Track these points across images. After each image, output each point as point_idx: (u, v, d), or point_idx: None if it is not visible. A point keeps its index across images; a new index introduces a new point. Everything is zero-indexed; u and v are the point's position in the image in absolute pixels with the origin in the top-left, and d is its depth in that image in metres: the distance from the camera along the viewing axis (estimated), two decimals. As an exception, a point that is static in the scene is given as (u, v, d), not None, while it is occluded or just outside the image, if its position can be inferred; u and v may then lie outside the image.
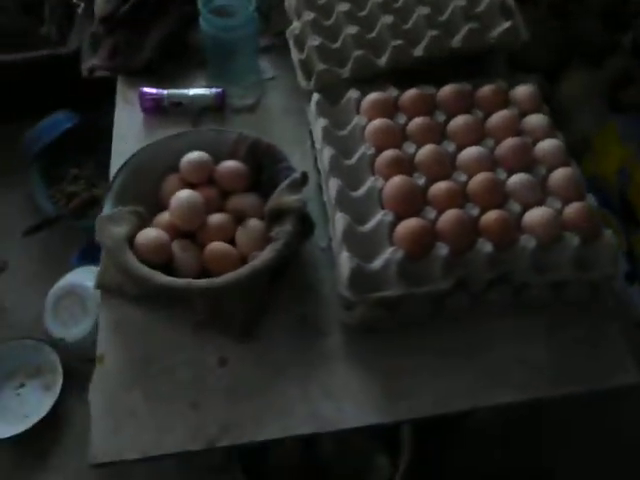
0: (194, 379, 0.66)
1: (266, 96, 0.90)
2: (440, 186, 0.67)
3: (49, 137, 1.31)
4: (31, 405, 1.13)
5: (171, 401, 0.64)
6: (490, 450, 1.02)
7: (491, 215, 0.64)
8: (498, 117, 0.73)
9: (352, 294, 0.62)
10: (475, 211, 0.66)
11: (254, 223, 0.71)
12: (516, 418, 1.03)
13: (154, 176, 0.75)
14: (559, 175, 0.69)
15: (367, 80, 0.78)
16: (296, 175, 0.70)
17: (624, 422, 1.10)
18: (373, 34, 0.79)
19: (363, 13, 0.81)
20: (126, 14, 0.89)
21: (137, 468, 0.96)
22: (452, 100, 0.74)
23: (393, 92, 0.76)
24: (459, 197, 0.67)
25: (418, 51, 0.78)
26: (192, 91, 0.87)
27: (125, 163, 0.73)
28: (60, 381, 1.12)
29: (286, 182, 0.69)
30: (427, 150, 0.70)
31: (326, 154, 0.70)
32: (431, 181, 0.68)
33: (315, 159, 0.76)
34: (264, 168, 0.74)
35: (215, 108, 0.87)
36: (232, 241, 0.71)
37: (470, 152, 0.70)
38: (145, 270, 0.63)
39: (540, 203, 0.68)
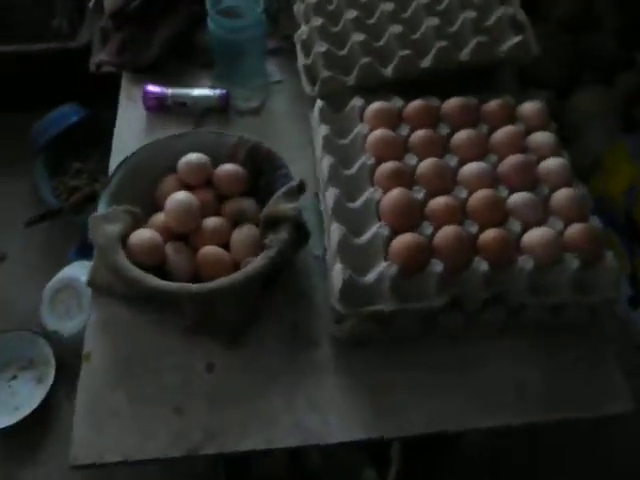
0: (180, 383, 0.65)
1: (271, 99, 0.89)
2: (439, 201, 0.66)
3: (56, 129, 1.31)
4: (22, 397, 1.13)
5: (155, 404, 0.63)
6: (480, 476, 1.00)
7: (489, 233, 0.63)
8: (503, 133, 0.72)
9: (343, 307, 0.61)
10: (474, 228, 0.65)
11: (249, 229, 0.70)
12: (508, 442, 1.01)
13: (152, 176, 0.74)
14: (562, 195, 0.68)
15: (372, 89, 0.77)
16: (293, 183, 0.69)
17: (617, 449, 1.08)
18: (381, 43, 0.78)
19: (371, 21, 0.81)
20: (135, 10, 0.89)
21: (120, 471, 0.95)
22: (457, 113, 0.73)
23: (398, 102, 0.75)
24: (458, 213, 0.66)
25: (425, 62, 0.77)
26: (196, 91, 0.86)
27: (123, 162, 0.72)
28: (52, 374, 1.12)
29: (283, 190, 0.69)
30: (428, 163, 0.68)
31: (325, 163, 0.69)
32: (431, 195, 0.67)
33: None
34: (263, 173, 0.74)
35: (219, 109, 0.86)
36: (227, 245, 0.70)
37: (472, 167, 0.69)
38: (136, 272, 0.63)
39: (541, 223, 0.66)
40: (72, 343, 1.12)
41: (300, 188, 0.70)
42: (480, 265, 0.62)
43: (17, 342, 1.16)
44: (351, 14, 0.80)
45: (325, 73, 0.76)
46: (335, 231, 0.64)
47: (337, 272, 0.61)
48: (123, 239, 0.67)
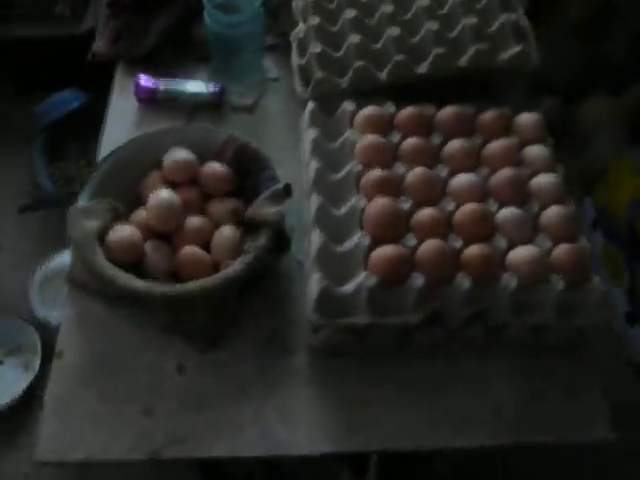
0: (150, 384, 0.64)
1: (266, 97, 0.88)
2: (425, 213, 0.64)
3: (56, 114, 1.30)
4: (7, 383, 1.13)
5: (125, 404, 0.63)
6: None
7: (474, 250, 0.61)
8: (497, 145, 0.70)
9: (318, 317, 0.59)
10: (458, 243, 0.63)
11: (231, 231, 0.68)
12: (483, 463, 0.99)
13: (139, 170, 0.73)
14: (552, 213, 0.65)
15: (366, 93, 0.75)
16: (278, 186, 0.67)
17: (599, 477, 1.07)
18: (378, 45, 0.76)
19: (371, 22, 0.78)
20: (132, 0, 0.87)
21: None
22: (451, 122, 0.71)
23: (390, 108, 0.73)
24: (443, 226, 0.64)
25: (422, 68, 0.75)
26: (189, 86, 0.85)
27: (108, 155, 0.71)
28: (38, 362, 1.12)
29: (267, 192, 0.67)
30: (417, 173, 0.67)
31: (312, 167, 0.68)
32: (417, 206, 0.65)
33: (306, 168, 0.73)
34: (250, 174, 0.72)
35: (213, 105, 0.85)
36: (209, 245, 0.69)
37: (462, 179, 0.67)
38: (109, 270, 0.62)
39: (529, 240, 0.64)
40: (60, 331, 1.12)
41: (286, 191, 0.68)
42: (462, 281, 0.60)
43: (5, 328, 1.16)
44: (350, 14, 0.77)
45: (319, 74, 0.74)
46: (315, 238, 0.62)
47: (314, 281, 0.60)
48: (102, 234, 0.66)
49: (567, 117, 1.40)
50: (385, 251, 0.60)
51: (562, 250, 0.63)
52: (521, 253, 0.63)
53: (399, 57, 0.74)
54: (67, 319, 0.68)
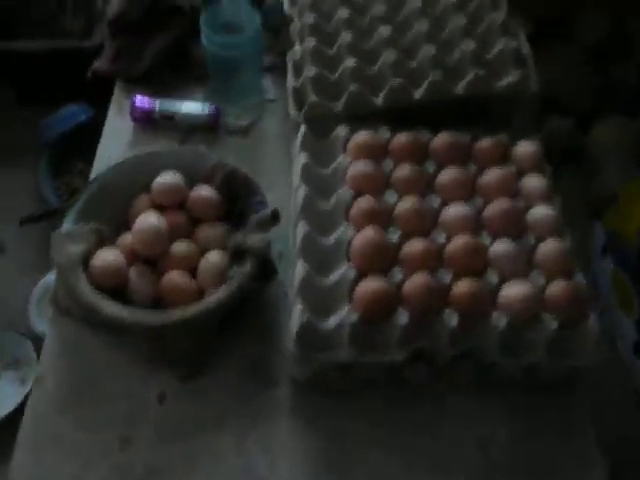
0: (129, 413, 0.63)
1: (263, 119, 0.86)
2: (414, 245, 0.62)
3: (62, 128, 1.31)
4: (4, 397, 1.12)
5: (102, 433, 0.61)
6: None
7: (463, 285, 0.59)
8: (492, 174, 0.68)
9: (299, 351, 0.57)
10: (448, 277, 0.61)
11: (217, 257, 0.67)
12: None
13: (128, 193, 0.72)
14: (548, 247, 0.63)
15: (362, 117, 0.73)
16: (266, 212, 0.66)
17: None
18: (374, 69, 0.75)
19: (368, 46, 0.77)
20: (131, 19, 0.87)
21: None
22: (445, 150, 0.69)
23: (385, 134, 0.71)
24: (433, 260, 0.62)
25: (418, 93, 0.73)
26: (185, 106, 0.84)
27: (95, 178, 0.70)
28: (34, 377, 1.11)
29: (255, 218, 0.66)
30: (407, 203, 0.65)
31: (300, 193, 0.66)
32: (407, 237, 0.63)
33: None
34: (239, 199, 0.71)
35: (208, 126, 0.84)
36: (196, 271, 0.68)
37: (455, 210, 0.65)
38: (91, 297, 0.61)
39: (522, 276, 0.62)
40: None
41: (273, 217, 0.67)
42: (450, 319, 0.58)
43: (3, 342, 1.16)
44: (347, 37, 0.76)
45: (313, 98, 0.73)
46: (300, 269, 0.61)
47: (296, 314, 0.58)
48: (86, 258, 0.65)
49: (578, 140, 1.37)
50: (369, 286, 0.58)
51: (557, 287, 0.60)
52: (514, 290, 0.60)
53: (395, 82, 0.72)
54: (49, 343, 0.67)
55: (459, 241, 0.62)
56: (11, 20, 1.38)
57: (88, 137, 1.31)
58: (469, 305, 0.58)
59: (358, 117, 0.73)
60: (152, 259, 0.68)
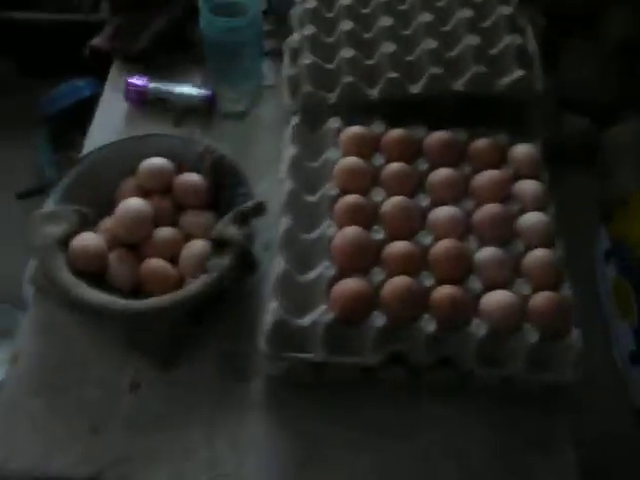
0: (101, 400, 0.62)
1: (260, 105, 0.85)
2: (397, 246, 0.60)
3: (65, 102, 1.30)
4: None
5: (73, 419, 0.61)
6: None
7: (442, 291, 0.57)
8: (486, 176, 0.66)
9: (270, 348, 0.56)
10: (430, 281, 0.59)
11: (199, 245, 0.66)
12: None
13: (114, 177, 0.71)
14: (536, 256, 0.61)
15: (357, 109, 0.71)
16: (248, 204, 0.64)
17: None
18: (372, 61, 0.73)
19: (368, 36, 0.75)
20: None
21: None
22: (439, 148, 0.67)
23: (379, 128, 0.69)
24: (416, 262, 0.60)
25: (416, 88, 0.70)
26: (180, 89, 0.82)
27: (80, 160, 0.69)
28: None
29: (237, 209, 0.64)
30: (394, 202, 0.63)
31: (286, 187, 0.65)
32: (391, 237, 0.61)
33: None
34: (226, 188, 0.69)
35: (203, 110, 0.82)
36: (178, 258, 0.67)
37: (443, 212, 0.63)
38: (65, 279, 0.60)
39: (507, 284, 0.60)
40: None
41: (258, 210, 0.65)
42: (427, 324, 0.57)
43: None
44: (346, 26, 0.74)
45: (307, 87, 0.71)
46: (278, 265, 0.59)
47: (270, 310, 0.57)
48: (66, 241, 0.64)
49: (594, 140, 1.33)
50: (347, 285, 0.57)
51: (541, 298, 0.58)
52: (495, 297, 0.58)
53: (392, 74, 0.70)
54: (27, 322, 0.67)
55: (443, 244, 0.61)
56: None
57: (91, 111, 1.32)
58: (448, 311, 0.57)
59: (353, 109, 0.71)
60: (134, 244, 0.67)
